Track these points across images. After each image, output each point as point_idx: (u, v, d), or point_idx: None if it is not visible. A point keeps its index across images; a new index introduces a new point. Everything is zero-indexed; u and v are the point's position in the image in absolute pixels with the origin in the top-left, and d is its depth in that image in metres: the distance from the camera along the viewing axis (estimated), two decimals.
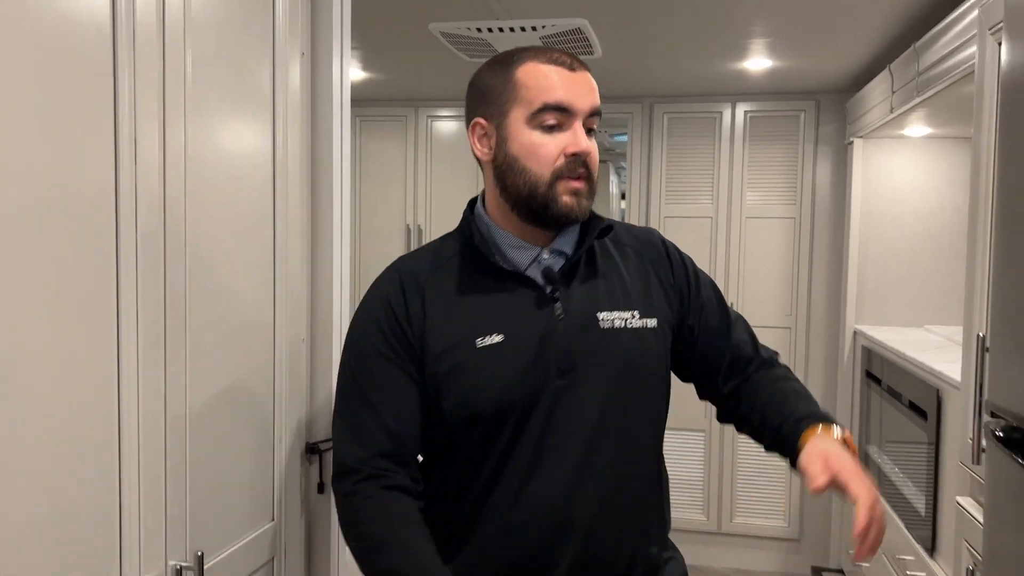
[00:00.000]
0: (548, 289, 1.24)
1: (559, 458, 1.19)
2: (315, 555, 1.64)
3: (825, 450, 1.13)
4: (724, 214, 3.99)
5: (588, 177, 1.20)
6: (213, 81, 1.30)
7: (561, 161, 1.17)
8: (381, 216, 4.30)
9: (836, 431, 1.18)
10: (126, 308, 1.10)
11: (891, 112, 3.02)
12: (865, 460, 3.34)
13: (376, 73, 3.65)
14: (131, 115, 1.10)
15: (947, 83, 2.42)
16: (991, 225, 1.22)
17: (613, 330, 1.25)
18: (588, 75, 1.20)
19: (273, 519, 1.50)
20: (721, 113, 3.96)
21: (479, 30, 2.76)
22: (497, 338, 1.19)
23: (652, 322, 1.29)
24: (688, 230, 3.98)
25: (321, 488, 1.63)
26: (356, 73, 3.61)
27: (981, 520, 1.32)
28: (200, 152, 1.26)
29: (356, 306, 1.30)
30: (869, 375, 3.31)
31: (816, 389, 4.00)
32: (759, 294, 4.00)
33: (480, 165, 1.28)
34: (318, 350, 1.66)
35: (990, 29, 1.71)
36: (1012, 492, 1.08)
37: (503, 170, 1.21)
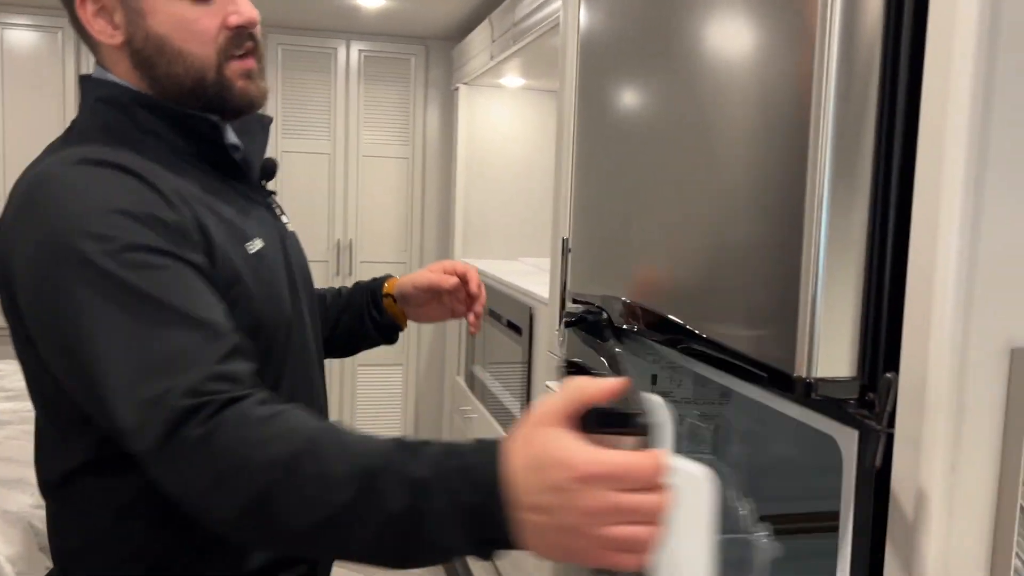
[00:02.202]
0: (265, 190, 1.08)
1: (313, 393, 1.06)
2: None
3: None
4: (342, 152, 4.04)
5: (257, 52, 0.99)
6: None
7: (224, 36, 0.94)
8: None
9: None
10: None
11: (491, 60, 3.30)
12: (471, 380, 3.68)
13: None
14: None
15: (537, 35, 2.72)
16: (572, 155, 1.42)
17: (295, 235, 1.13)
18: None
19: None
20: (336, 49, 3.98)
21: None
22: (259, 244, 0.96)
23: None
24: (306, 166, 3.97)
25: None
26: None
27: None
28: None
29: None
30: None
31: None
32: (376, 231, 4.14)
33: (96, 51, 0.98)
34: None
35: None
36: None
37: (149, 57, 0.93)
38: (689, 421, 1.38)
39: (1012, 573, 0.72)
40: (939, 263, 0.70)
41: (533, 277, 3.09)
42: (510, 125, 3.91)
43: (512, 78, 3.65)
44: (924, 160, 0.72)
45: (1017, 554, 0.72)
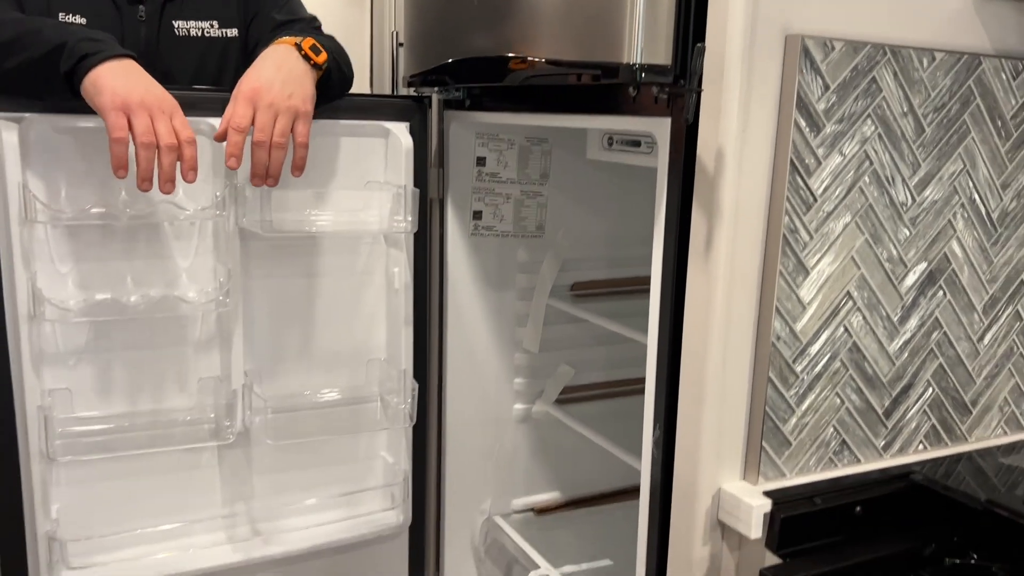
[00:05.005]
0: None
1: None
2: None
3: (252, 68, 1.18)
4: None
5: None
6: None
7: None
8: None
9: (298, 40, 1.20)
10: None
11: None
12: None
13: None
14: None
15: None
16: None
17: (188, 39, 1.30)
18: None
19: None
20: None
21: None
22: (79, 19, 1.14)
23: (232, 32, 1.31)
24: None
25: None
26: None
27: None
28: None
29: None
30: None
31: None
32: None
33: None
34: None
35: None
36: None
37: None
38: (514, 199, 1.53)
39: (784, 215, 0.93)
40: None
41: None
42: None
43: None
44: None
45: (788, 198, 0.93)
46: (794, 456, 0.99)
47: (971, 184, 1.05)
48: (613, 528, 1.59)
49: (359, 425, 1.44)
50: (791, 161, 0.92)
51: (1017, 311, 1.13)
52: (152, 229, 1.28)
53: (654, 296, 0.98)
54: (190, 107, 1.25)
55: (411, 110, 1.41)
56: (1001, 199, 1.07)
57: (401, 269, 1.43)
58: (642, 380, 1.70)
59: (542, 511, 1.61)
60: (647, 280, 1.63)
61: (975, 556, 0.98)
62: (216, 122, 1.27)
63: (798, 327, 0.96)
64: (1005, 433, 1.16)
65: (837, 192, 0.96)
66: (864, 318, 1.01)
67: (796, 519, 0.94)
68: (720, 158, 0.90)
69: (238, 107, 1.13)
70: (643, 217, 1.62)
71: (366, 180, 1.41)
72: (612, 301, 1.59)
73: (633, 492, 1.68)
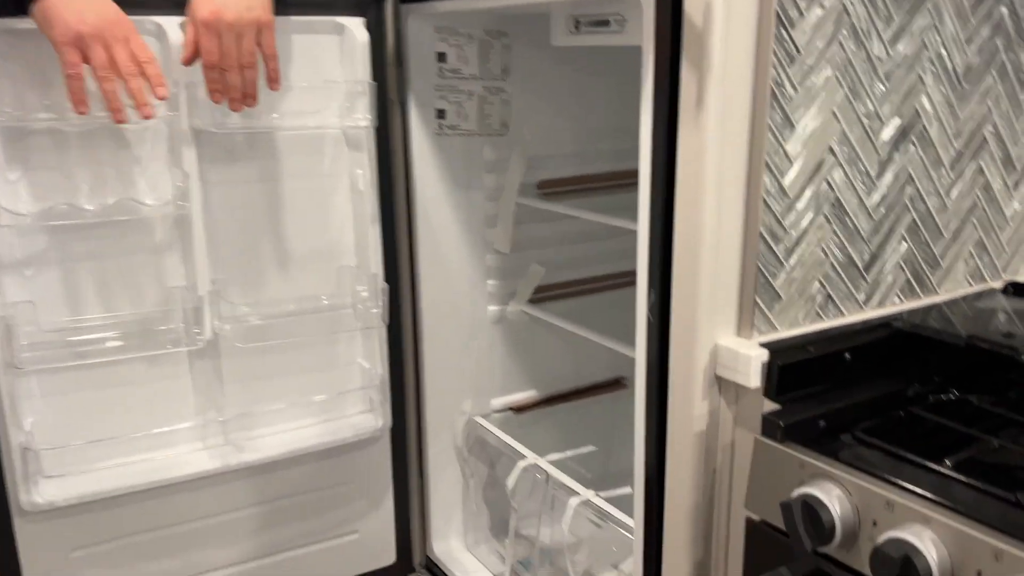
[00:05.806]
0: None
1: None
2: None
3: None
4: None
5: None
6: None
7: None
8: None
9: None
10: None
11: None
12: None
13: None
14: None
15: None
16: None
17: None
18: None
19: None
20: None
21: None
22: None
23: None
24: None
25: None
26: None
27: None
28: None
29: None
30: None
31: None
32: None
33: None
34: None
35: None
36: None
37: None
38: (477, 96, 1.51)
39: (771, 68, 0.94)
40: None
41: None
42: None
43: None
44: None
45: (774, 51, 0.93)
46: (784, 310, 1.02)
47: (938, 39, 1.07)
48: (592, 420, 1.62)
49: (330, 329, 1.43)
50: (776, 13, 0.92)
51: (979, 166, 1.17)
52: (104, 134, 1.22)
53: (644, 155, 0.98)
54: (137, 5, 1.19)
55: (366, 4, 1.38)
56: (966, 54, 1.11)
57: (364, 170, 1.40)
58: (612, 276, 1.73)
59: (520, 409, 1.63)
60: (614, 176, 1.65)
61: (955, 392, 1.03)
62: (163, 20, 1.21)
63: (786, 182, 0.98)
64: (971, 285, 1.21)
65: (819, 45, 0.97)
66: (845, 173, 1.03)
67: (792, 366, 0.97)
68: (708, 10, 0.90)
69: (203, 39, 1.11)
70: (609, 110, 1.62)
71: (323, 78, 1.37)
72: (580, 198, 1.59)
73: (608, 386, 1.72)
